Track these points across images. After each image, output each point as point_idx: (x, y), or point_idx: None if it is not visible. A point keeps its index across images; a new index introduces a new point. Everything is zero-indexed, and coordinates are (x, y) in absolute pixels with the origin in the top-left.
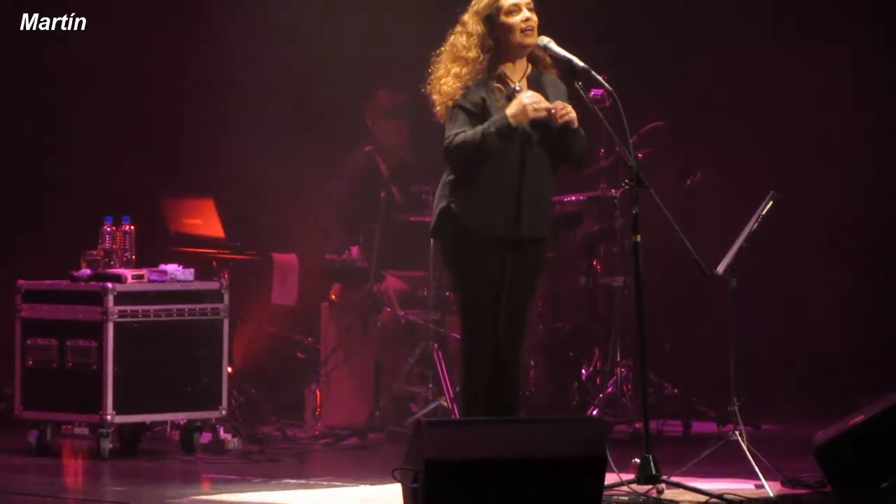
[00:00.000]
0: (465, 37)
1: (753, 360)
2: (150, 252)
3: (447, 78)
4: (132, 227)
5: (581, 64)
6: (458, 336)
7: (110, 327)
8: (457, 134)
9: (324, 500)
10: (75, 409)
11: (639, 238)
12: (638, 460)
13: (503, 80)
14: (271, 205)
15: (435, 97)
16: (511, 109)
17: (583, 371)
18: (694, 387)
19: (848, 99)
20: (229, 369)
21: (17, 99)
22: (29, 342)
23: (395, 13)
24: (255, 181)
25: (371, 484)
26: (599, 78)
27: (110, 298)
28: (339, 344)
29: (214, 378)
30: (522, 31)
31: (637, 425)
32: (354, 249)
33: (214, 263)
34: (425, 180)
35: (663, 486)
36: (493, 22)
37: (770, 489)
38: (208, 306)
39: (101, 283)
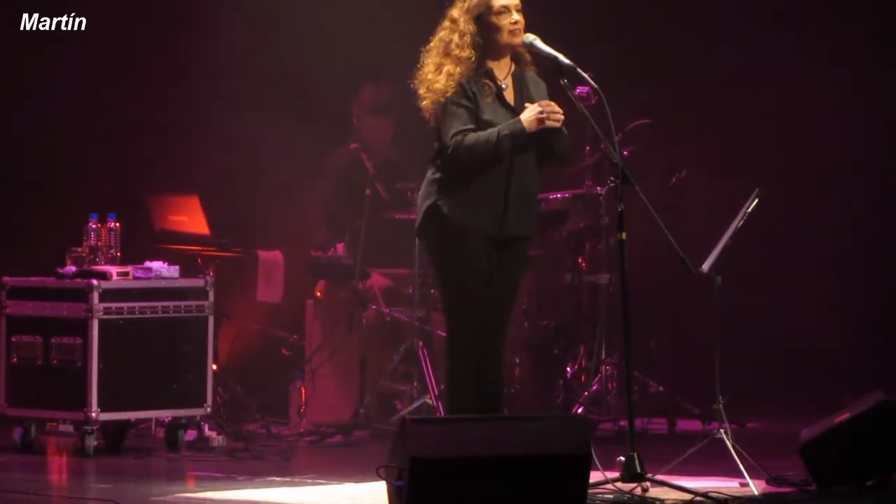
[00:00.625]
0: (457, 35)
1: (739, 358)
2: (135, 249)
3: (439, 75)
4: (117, 224)
5: (566, 61)
6: (443, 334)
7: (95, 324)
8: (465, 133)
9: (309, 498)
10: (60, 406)
11: (624, 236)
12: (623, 458)
13: (491, 76)
14: (257, 202)
15: (423, 92)
16: (527, 115)
17: (568, 369)
18: (679, 385)
19: (838, 96)
20: (214, 366)
21: (9, 97)
22: (14, 339)
23: (385, 9)
24: (241, 178)
25: (356, 481)
26: (585, 75)
27: (95, 295)
28: (324, 341)
29: (199, 375)
30: (510, 31)
31: (622, 423)
32: (340, 246)
33: (199, 260)
34: (410, 177)
35: (648, 484)
36: (483, 21)
37: (755, 487)
38: (193, 303)
39: (86, 280)
